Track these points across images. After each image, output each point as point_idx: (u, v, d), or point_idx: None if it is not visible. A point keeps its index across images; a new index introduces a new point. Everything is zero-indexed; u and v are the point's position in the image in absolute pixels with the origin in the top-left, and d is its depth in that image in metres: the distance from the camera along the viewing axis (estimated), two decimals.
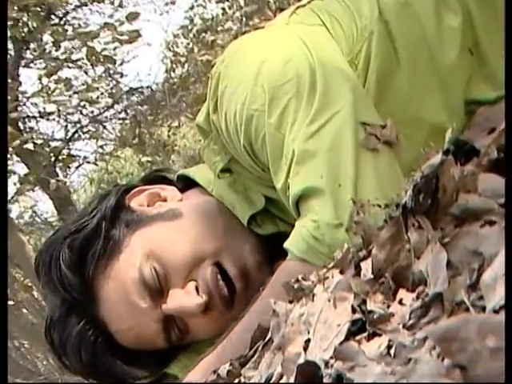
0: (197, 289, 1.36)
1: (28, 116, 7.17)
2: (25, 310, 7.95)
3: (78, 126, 7.66)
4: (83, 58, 6.89)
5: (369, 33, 1.32)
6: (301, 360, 0.80)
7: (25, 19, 6.59)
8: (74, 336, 1.40)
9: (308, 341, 0.82)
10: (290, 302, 0.94)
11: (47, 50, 6.79)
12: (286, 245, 1.19)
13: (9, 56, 6.88)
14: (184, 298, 1.36)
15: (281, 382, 0.83)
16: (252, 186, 1.42)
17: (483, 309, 0.64)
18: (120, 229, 1.42)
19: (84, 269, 1.40)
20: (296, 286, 0.93)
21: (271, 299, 0.95)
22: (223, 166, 1.42)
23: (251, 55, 1.32)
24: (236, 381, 0.97)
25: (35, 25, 6.59)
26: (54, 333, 1.44)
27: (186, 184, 1.51)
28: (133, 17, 6.43)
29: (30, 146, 6.41)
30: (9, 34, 6.60)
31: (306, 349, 0.81)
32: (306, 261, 1.15)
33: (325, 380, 0.74)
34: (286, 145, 1.21)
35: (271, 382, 0.85)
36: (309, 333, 0.83)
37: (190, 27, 7.71)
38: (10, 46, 6.91)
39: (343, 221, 1.12)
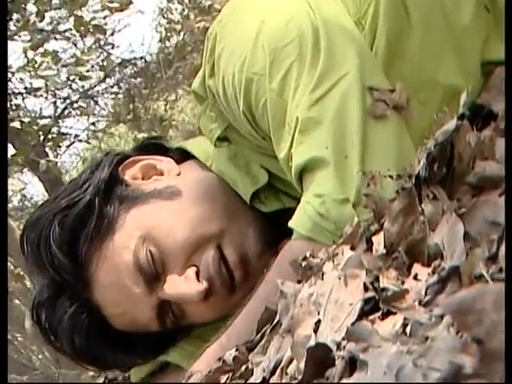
0: (197, 274, 1.37)
1: (14, 92, 7.15)
2: (17, 301, 7.98)
3: (68, 101, 7.64)
4: (71, 29, 6.87)
5: None
6: (311, 343, 0.80)
7: None
8: (67, 320, 1.41)
9: (318, 322, 0.82)
10: (298, 282, 0.94)
11: (32, 21, 6.75)
12: (290, 223, 1.19)
13: None
14: (184, 285, 1.37)
15: (290, 366, 0.84)
16: (252, 156, 1.41)
17: (503, 282, 0.64)
18: (114, 206, 1.41)
19: (76, 249, 1.40)
20: (304, 264, 0.93)
21: (278, 280, 0.96)
22: (220, 134, 1.42)
23: (250, 14, 1.32)
24: (243, 367, 0.98)
25: None
26: (42, 314, 1.45)
27: (184, 156, 1.51)
28: None
29: (16, 124, 6.41)
30: None
31: (316, 331, 0.82)
32: (311, 239, 1.15)
33: (337, 362, 0.74)
34: (289, 112, 1.21)
35: (280, 366, 0.86)
36: (319, 313, 0.83)
37: None
38: None
39: (350, 195, 1.12)
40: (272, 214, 1.44)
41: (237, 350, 1.03)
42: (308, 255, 0.94)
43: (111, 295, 1.40)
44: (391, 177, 0.95)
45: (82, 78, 7.07)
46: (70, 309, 1.41)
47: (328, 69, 1.21)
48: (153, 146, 1.56)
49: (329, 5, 1.30)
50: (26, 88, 7.21)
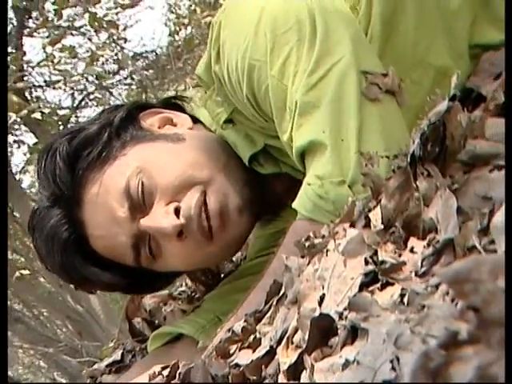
0: (178, 212, 1.36)
1: (34, 85, 7.16)
2: (42, 279, 8.00)
3: (85, 93, 7.65)
4: (86, 25, 6.86)
5: None
6: (315, 314, 0.79)
7: None
8: (49, 229, 1.42)
9: (323, 296, 0.82)
10: (302, 257, 0.94)
11: (50, 18, 6.74)
12: (294, 205, 1.19)
13: (11, 25, 6.87)
14: (161, 217, 1.36)
15: (296, 336, 0.83)
16: (254, 134, 1.42)
17: (494, 252, 0.64)
18: (123, 139, 1.43)
19: (77, 165, 1.41)
20: (307, 243, 0.93)
21: (283, 255, 0.96)
22: (226, 118, 1.42)
23: (252, 3, 1.30)
24: (251, 337, 0.97)
25: None
26: (35, 222, 1.46)
27: (195, 120, 1.51)
28: None
29: (37, 115, 6.40)
30: (10, 3, 6.57)
31: (320, 303, 0.81)
32: (313, 220, 1.14)
33: (340, 331, 0.74)
34: (290, 96, 1.20)
35: (286, 336, 0.85)
36: (323, 288, 0.82)
37: None
38: (11, 15, 6.90)
39: (346, 177, 1.11)
40: (265, 180, 1.46)
41: (245, 320, 1.03)
42: (311, 235, 0.94)
43: (96, 215, 1.40)
44: (388, 157, 0.94)
45: (99, 76, 7.06)
46: (56, 218, 1.42)
47: (324, 54, 1.19)
48: (176, 104, 1.56)
49: None
50: (45, 81, 7.21)
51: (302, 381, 0.75)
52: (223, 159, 1.42)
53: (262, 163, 1.45)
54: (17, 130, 7.10)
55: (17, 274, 6.74)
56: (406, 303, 0.68)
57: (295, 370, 0.78)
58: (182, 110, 1.55)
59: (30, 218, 1.48)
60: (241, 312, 1.21)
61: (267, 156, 1.44)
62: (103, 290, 1.59)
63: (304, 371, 0.75)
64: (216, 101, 1.43)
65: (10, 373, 9.42)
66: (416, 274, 0.72)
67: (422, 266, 0.72)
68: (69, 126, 7.43)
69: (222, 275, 1.70)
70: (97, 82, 7.47)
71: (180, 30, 7.83)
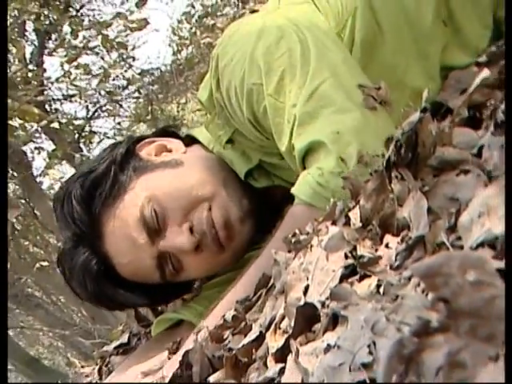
0: (191, 229, 1.36)
1: (53, 99, 7.15)
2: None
3: (98, 105, 7.65)
4: (99, 45, 6.86)
5: (353, 8, 1.30)
6: (301, 303, 0.79)
7: (46, 13, 6.53)
8: (79, 266, 1.41)
9: (307, 286, 0.81)
10: (289, 251, 0.93)
11: (67, 40, 6.74)
12: (292, 190, 1.17)
13: (33, 46, 6.89)
14: (178, 237, 1.36)
15: (283, 322, 0.83)
16: (251, 152, 1.41)
17: (461, 248, 0.63)
18: (128, 173, 1.41)
19: (92, 205, 1.40)
20: (293, 240, 0.93)
21: (272, 250, 0.96)
22: (228, 138, 1.42)
23: (246, 36, 1.30)
24: (242, 324, 0.97)
25: (55, 17, 6.54)
26: (64, 262, 1.44)
27: (192, 141, 1.51)
28: (141, 3, 6.45)
29: (55, 125, 6.39)
30: (32, 26, 6.59)
31: (305, 293, 0.81)
32: (312, 205, 1.12)
33: (322, 319, 0.73)
34: (288, 111, 1.19)
35: (274, 322, 0.85)
36: (308, 279, 0.82)
37: (192, 13, 7.62)
38: (33, 37, 6.92)
39: (346, 169, 1.09)
40: (260, 192, 1.45)
41: (235, 309, 1.03)
42: (297, 232, 0.94)
43: (119, 246, 1.39)
44: (377, 155, 0.94)
45: (110, 93, 7.07)
46: (84, 256, 1.40)
47: (318, 70, 1.19)
48: (168, 132, 1.56)
49: (314, 20, 1.29)
50: (63, 95, 7.20)
51: (287, 363, 0.74)
52: (222, 175, 1.42)
53: (257, 178, 1.45)
54: (37, 138, 7.08)
55: (37, 265, 6.75)
56: (381, 293, 0.68)
57: (282, 353, 0.77)
58: (174, 135, 1.54)
59: (58, 258, 1.46)
60: (232, 294, 1.20)
61: (261, 171, 1.44)
62: (133, 308, 1.58)
63: (290, 354, 0.75)
64: (217, 124, 1.43)
65: (31, 352, 9.41)
66: (391, 267, 0.72)
67: (396, 260, 0.72)
68: (83, 134, 7.44)
69: None
70: (108, 95, 7.47)
71: (182, 49, 7.83)
